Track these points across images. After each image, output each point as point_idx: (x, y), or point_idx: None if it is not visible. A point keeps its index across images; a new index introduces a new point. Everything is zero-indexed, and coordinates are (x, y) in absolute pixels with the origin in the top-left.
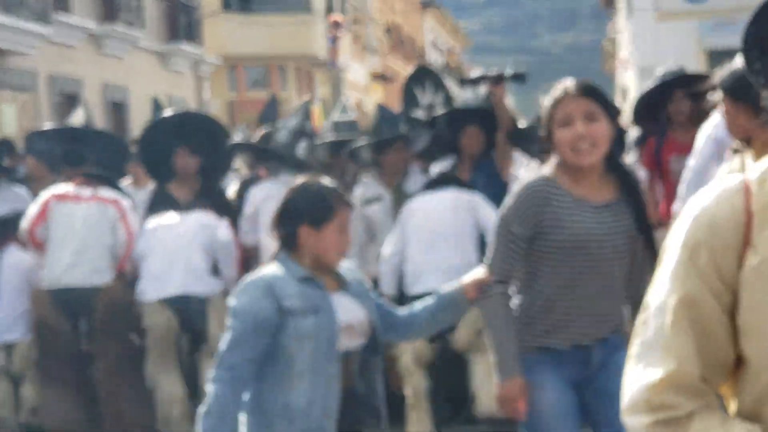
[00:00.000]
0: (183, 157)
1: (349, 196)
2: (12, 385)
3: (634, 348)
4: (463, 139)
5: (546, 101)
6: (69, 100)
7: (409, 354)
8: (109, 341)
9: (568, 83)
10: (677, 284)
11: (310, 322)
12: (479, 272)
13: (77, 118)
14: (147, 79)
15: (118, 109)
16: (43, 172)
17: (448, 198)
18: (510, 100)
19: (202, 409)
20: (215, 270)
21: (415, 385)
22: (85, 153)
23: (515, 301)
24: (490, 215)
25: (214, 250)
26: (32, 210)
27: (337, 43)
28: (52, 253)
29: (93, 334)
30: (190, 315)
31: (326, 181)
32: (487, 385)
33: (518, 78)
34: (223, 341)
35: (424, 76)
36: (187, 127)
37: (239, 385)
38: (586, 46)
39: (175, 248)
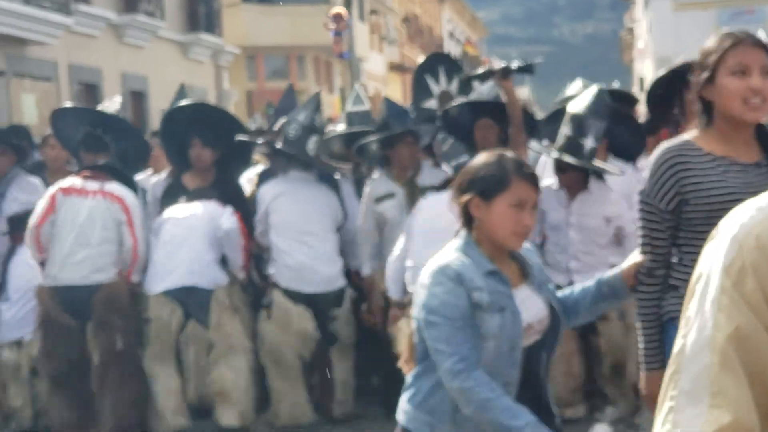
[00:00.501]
0: (196, 148)
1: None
2: (27, 382)
3: (665, 404)
4: (476, 132)
5: (710, 42)
6: (89, 90)
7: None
8: (105, 337)
9: (737, 32)
10: (722, 317)
11: (496, 322)
12: (637, 257)
13: (110, 106)
14: (167, 69)
15: (137, 99)
16: (62, 156)
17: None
18: (526, 91)
19: (470, 412)
20: (224, 261)
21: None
22: (106, 140)
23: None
24: None
25: (219, 239)
26: (39, 206)
27: (342, 36)
28: (56, 249)
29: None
30: (193, 307)
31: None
32: None
33: (526, 70)
34: (433, 347)
35: (437, 63)
36: (201, 118)
37: (480, 373)
38: (604, 37)
39: (180, 240)
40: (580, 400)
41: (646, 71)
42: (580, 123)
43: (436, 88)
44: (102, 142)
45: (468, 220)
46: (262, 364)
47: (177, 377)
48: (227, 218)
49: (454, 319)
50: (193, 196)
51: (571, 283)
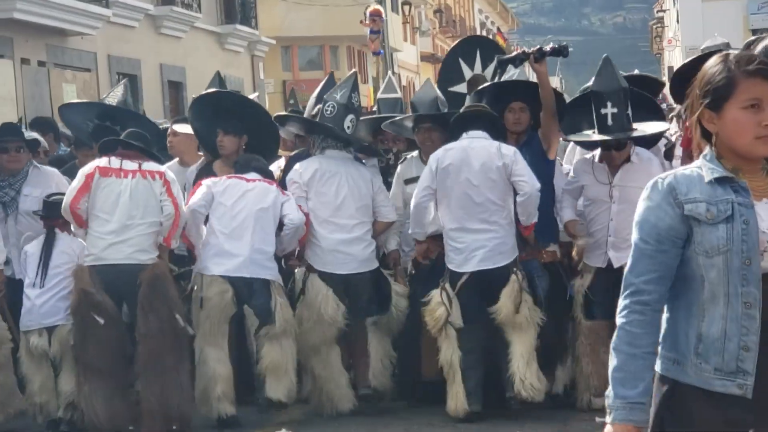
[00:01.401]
0: (219, 136)
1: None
2: (52, 371)
3: None
4: (508, 115)
5: (716, 67)
6: (128, 80)
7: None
8: (152, 321)
9: (745, 56)
10: None
11: (721, 233)
12: None
13: (114, 97)
14: (203, 60)
15: (175, 88)
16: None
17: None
18: (557, 81)
19: (612, 344)
20: None
21: (449, 359)
22: (116, 130)
23: None
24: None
25: (283, 228)
26: (75, 183)
27: (379, 34)
28: (96, 229)
29: (135, 313)
30: (247, 295)
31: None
32: (524, 370)
33: (560, 52)
34: (628, 260)
35: (475, 47)
36: (223, 107)
37: (648, 312)
38: (633, 27)
39: (243, 224)
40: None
41: (675, 61)
42: (595, 97)
43: (468, 72)
44: (112, 132)
45: (707, 135)
46: (300, 351)
47: (227, 362)
48: (294, 210)
49: (646, 240)
50: None
51: (608, 264)
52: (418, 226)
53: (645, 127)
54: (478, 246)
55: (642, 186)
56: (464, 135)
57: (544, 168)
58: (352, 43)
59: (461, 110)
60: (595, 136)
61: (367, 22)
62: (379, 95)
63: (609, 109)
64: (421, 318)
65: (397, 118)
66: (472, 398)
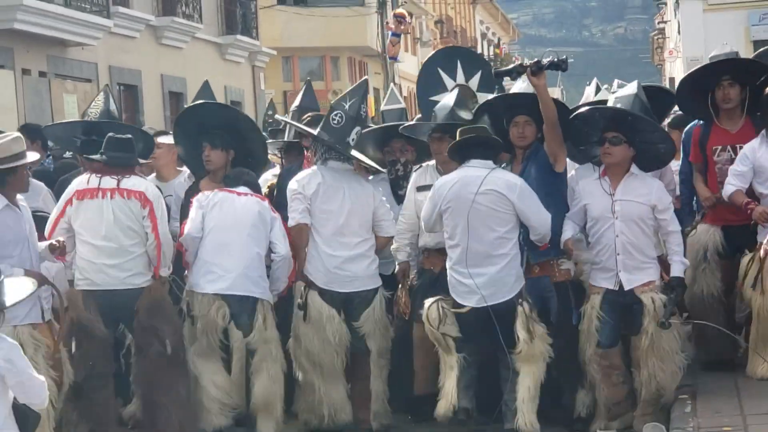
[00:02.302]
0: (205, 150)
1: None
2: None
3: None
4: (512, 129)
5: None
6: (129, 90)
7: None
8: (150, 344)
9: None
10: None
11: None
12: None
13: (96, 107)
14: (204, 70)
15: (176, 99)
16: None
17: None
18: (558, 92)
19: None
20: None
21: (446, 360)
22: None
23: None
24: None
25: (272, 256)
26: (54, 213)
27: (400, 38)
28: (85, 254)
29: (132, 337)
30: (237, 312)
31: None
32: (529, 405)
33: (558, 66)
34: None
35: (454, 56)
36: (209, 121)
37: None
38: (634, 38)
39: (233, 242)
40: (627, 409)
41: (677, 72)
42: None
43: (450, 82)
44: (99, 146)
45: None
46: (298, 365)
47: (223, 376)
48: (282, 240)
49: None
50: None
51: (619, 285)
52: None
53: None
54: (482, 282)
55: (641, 201)
56: (465, 164)
57: (551, 181)
58: (353, 53)
59: (460, 135)
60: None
61: (391, 25)
62: (383, 107)
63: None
64: (414, 333)
65: (414, 122)
66: (462, 395)
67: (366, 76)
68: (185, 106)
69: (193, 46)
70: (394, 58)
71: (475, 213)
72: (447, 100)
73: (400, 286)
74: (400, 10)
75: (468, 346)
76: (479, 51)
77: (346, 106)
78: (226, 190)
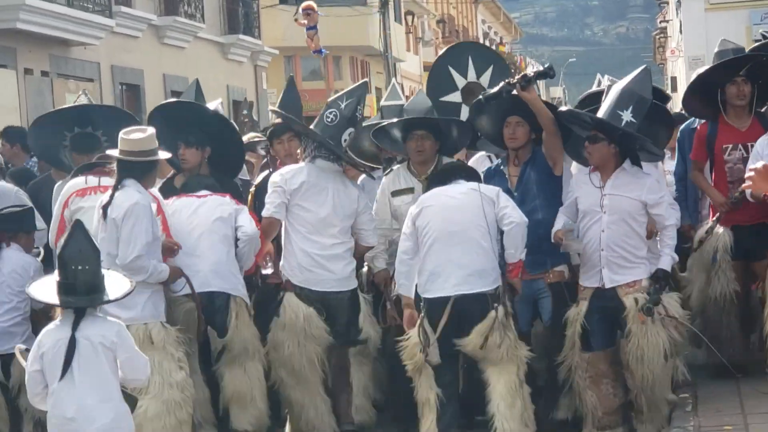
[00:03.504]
0: (180, 149)
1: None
2: (6, 397)
3: None
4: (505, 129)
5: None
6: (131, 90)
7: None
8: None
9: None
10: None
11: None
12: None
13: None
14: (207, 70)
15: (177, 98)
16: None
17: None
18: (560, 91)
19: None
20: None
21: (425, 397)
22: (98, 136)
23: None
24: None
25: (239, 242)
26: (54, 218)
27: (317, 30)
28: None
29: None
30: (210, 311)
31: None
32: (506, 412)
33: (545, 75)
34: None
35: (466, 53)
36: (184, 119)
37: None
38: (636, 37)
39: (199, 239)
40: (618, 423)
41: (678, 71)
42: (620, 95)
43: (461, 80)
44: (93, 139)
45: None
46: (276, 375)
47: (203, 386)
48: (248, 222)
49: None
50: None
51: (602, 284)
52: (408, 280)
53: (649, 145)
54: (455, 268)
55: (632, 197)
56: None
57: (551, 185)
58: (355, 53)
59: (439, 168)
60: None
61: (302, 21)
62: (383, 102)
63: (627, 115)
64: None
65: (385, 123)
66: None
67: (365, 79)
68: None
69: (195, 45)
70: (319, 52)
71: (451, 215)
72: (421, 99)
73: (384, 299)
74: (307, 3)
75: (446, 370)
76: None
77: (342, 106)
78: (184, 195)
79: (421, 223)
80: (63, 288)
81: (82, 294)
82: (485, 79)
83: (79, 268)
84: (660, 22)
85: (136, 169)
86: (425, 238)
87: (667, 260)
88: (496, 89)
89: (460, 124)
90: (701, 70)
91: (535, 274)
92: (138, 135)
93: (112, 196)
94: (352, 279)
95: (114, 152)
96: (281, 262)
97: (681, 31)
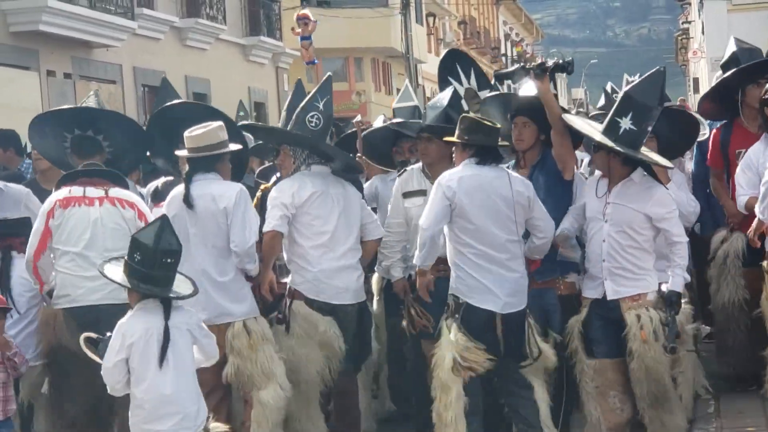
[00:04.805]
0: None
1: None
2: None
3: None
4: (513, 130)
5: None
6: (153, 92)
7: (447, 363)
8: None
9: None
10: None
11: None
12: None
13: (89, 103)
14: (228, 71)
15: (200, 100)
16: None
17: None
18: (581, 93)
19: None
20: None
21: (449, 402)
22: (99, 140)
23: None
24: None
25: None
26: (36, 227)
27: (311, 40)
28: (66, 266)
29: None
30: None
31: None
32: (549, 421)
33: (563, 68)
34: None
35: (454, 62)
36: (189, 121)
37: None
38: (658, 38)
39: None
40: None
41: (701, 73)
42: (620, 101)
43: (461, 87)
44: (94, 143)
45: None
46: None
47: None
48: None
49: None
50: None
51: (604, 295)
52: (429, 258)
53: (653, 156)
54: (503, 283)
55: (638, 209)
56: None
57: (560, 189)
58: (377, 54)
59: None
60: (596, 135)
61: (297, 29)
62: (395, 104)
63: (626, 122)
64: (424, 350)
65: (404, 120)
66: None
67: (330, 73)
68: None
69: (216, 47)
70: (312, 62)
71: (493, 208)
72: (441, 99)
73: (406, 304)
74: (302, 12)
75: (474, 379)
76: (502, 51)
77: (320, 106)
78: (158, 205)
79: (461, 212)
80: (148, 278)
81: (164, 286)
82: (473, 84)
83: (169, 261)
84: (682, 23)
85: (207, 162)
86: (465, 237)
87: (678, 281)
88: (510, 69)
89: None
90: (724, 73)
91: (545, 280)
92: (200, 131)
93: (188, 189)
94: (362, 290)
95: (182, 152)
96: (290, 277)
97: (703, 32)
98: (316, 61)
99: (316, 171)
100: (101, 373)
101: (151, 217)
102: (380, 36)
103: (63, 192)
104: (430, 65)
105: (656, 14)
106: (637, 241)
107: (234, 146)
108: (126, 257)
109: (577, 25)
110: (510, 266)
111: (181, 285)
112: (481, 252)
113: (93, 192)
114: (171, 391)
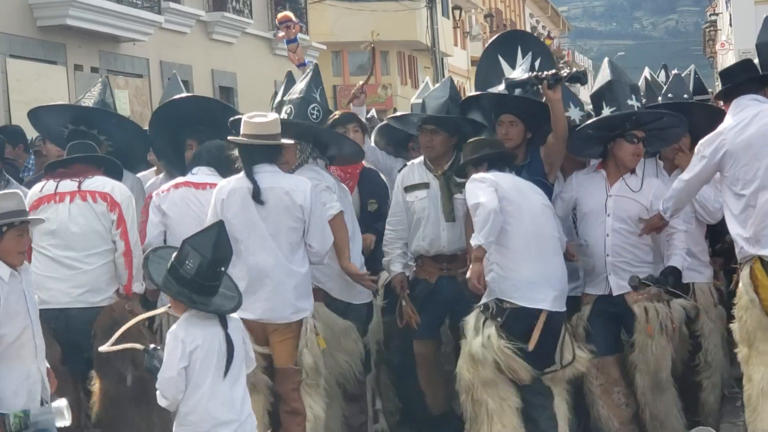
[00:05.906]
0: (189, 149)
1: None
2: None
3: None
4: (498, 128)
5: None
6: (107, 77)
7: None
8: (109, 374)
9: None
10: None
11: None
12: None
13: (91, 97)
14: (254, 65)
15: (226, 94)
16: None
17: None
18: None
19: None
20: None
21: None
22: (92, 135)
23: None
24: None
25: None
26: None
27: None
28: (37, 267)
29: (90, 365)
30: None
31: None
32: (564, 425)
33: (577, 79)
34: None
35: (515, 42)
36: (197, 115)
37: None
38: (686, 30)
39: None
40: None
41: (728, 65)
42: (598, 95)
43: (510, 71)
44: (87, 137)
45: None
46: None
47: None
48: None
49: None
50: None
51: (610, 291)
52: (492, 234)
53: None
54: (553, 280)
55: (639, 200)
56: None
57: (545, 192)
58: (403, 48)
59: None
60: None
61: (280, 33)
62: (413, 100)
63: (633, 102)
64: (415, 350)
65: (402, 113)
66: None
67: (315, 61)
68: (238, 101)
69: (243, 41)
70: (302, 65)
71: (537, 205)
72: (440, 91)
73: (400, 299)
74: (282, 14)
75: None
76: None
77: (317, 97)
78: (183, 183)
79: (506, 202)
80: (200, 288)
81: (213, 295)
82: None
83: (222, 269)
84: (710, 15)
85: (270, 152)
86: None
87: (678, 259)
88: (523, 77)
89: (471, 122)
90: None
91: None
92: (262, 118)
93: (255, 182)
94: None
95: (237, 138)
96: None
97: (731, 24)
98: (307, 62)
99: (322, 165)
100: (157, 385)
101: (129, 212)
102: (406, 29)
103: (36, 190)
104: (456, 59)
105: (683, 6)
106: (637, 235)
107: (286, 141)
108: (174, 260)
109: (604, 17)
110: (555, 263)
111: (225, 291)
112: (532, 246)
113: (66, 186)
114: (230, 400)
